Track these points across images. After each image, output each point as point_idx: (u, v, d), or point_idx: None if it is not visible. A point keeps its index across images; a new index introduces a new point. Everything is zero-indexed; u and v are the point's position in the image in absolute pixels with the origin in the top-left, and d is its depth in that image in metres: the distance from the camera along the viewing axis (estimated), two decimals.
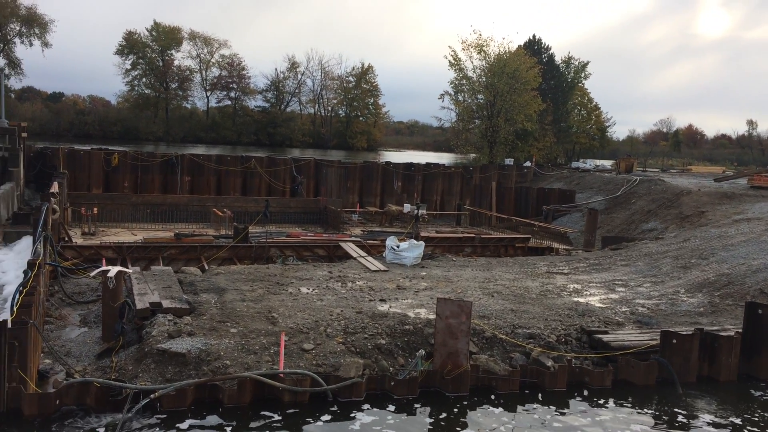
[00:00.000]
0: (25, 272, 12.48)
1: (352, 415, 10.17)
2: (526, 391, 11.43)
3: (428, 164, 39.72)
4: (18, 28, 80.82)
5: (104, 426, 9.28)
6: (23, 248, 20.89)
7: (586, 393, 11.59)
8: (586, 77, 71.12)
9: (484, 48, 56.31)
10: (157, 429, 9.34)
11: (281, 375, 10.46)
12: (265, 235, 23.24)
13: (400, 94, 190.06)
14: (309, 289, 15.37)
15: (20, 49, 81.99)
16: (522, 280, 17.75)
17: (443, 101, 65.17)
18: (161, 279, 14.88)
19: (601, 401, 11.35)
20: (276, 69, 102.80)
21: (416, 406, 10.66)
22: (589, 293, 16.47)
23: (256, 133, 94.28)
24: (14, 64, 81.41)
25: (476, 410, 10.72)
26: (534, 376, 11.65)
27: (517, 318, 13.62)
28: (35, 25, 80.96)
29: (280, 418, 9.92)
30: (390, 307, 13.87)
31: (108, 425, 9.29)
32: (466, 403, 10.91)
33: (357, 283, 16.34)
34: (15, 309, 10.36)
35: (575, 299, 15.61)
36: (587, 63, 70.45)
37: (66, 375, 10.68)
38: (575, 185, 38.51)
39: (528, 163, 47.16)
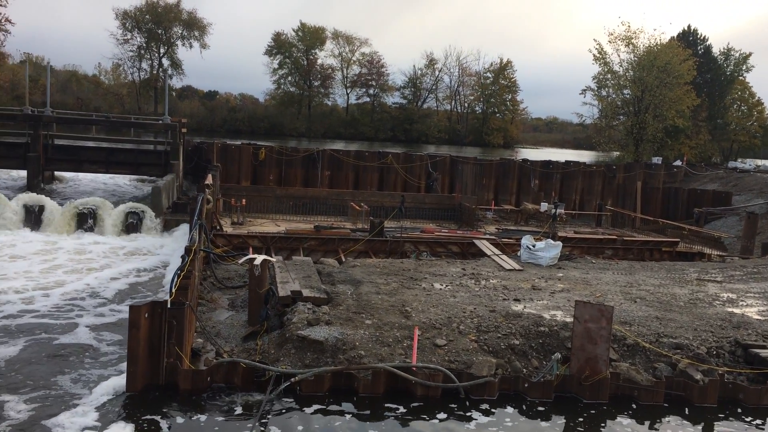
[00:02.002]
0: (182, 257, 13.55)
1: (484, 414, 10.08)
2: (667, 405, 10.73)
3: (567, 162, 38.37)
4: (180, 32, 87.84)
5: (249, 404, 9.87)
6: (180, 235, 22.71)
7: (739, 411, 10.68)
8: (747, 70, 65.42)
9: (632, 40, 53.44)
10: (297, 412, 9.79)
11: (414, 368, 10.58)
12: (399, 230, 23.56)
13: (539, 89, 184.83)
14: (442, 285, 15.40)
15: (181, 51, 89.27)
16: (668, 286, 16.69)
17: (585, 97, 62.63)
18: (302, 269, 15.56)
19: (758, 421, 10.41)
20: (414, 66, 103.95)
21: (551, 410, 10.36)
22: (745, 304, 15.16)
23: (393, 129, 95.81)
24: (176, 65, 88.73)
25: (616, 420, 10.22)
26: (680, 389, 10.92)
27: (662, 326, 12.83)
28: (195, 28, 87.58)
29: (412, 410, 10.04)
30: (524, 307, 13.58)
31: (253, 404, 9.87)
32: (604, 411, 10.44)
33: (491, 281, 16.15)
34: (173, 291, 11.26)
35: (729, 309, 14.43)
36: (749, 55, 64.82)
37: (216, 354, 11.47)
38: (732, 187, 35.57)
39: (678, 162, 44.17)
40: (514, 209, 32.59)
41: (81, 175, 32.04)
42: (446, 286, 15.33)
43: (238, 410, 9.71)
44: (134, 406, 9.64)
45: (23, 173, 28.89)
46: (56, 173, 31.61)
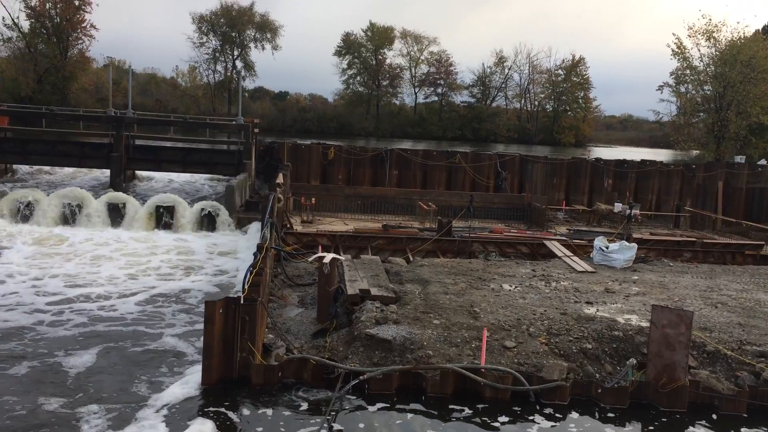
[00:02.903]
0: (254, 254, 13.89)
1: (554, 419, 9.88)
2: (749, 415, 10.21)
3: (643, 161, 37.07)
4: (253, 34, 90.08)
5: (318, 401, 10.02)
6: (252, 233, 23.29)
7: None
8: None
9: (713, 34, 51.13)
10: (365, 410, 9.87)
11: (483, 370, 10.48)
12: (468, 229, 23.38)
13: (614, 86, 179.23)
14: (511, 286, 15.19)
15: (254, 53, 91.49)
16: (753, 291, 15.90)
17: (662, 93, 60.29)
18: (370, 267, 15.67)
19: None
20: (483, 64, 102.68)
21: (625, 417, 10.05)
22: None
23: (461, 128, 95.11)
24: (249, 66, 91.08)
25: (694, 429, 9.82)
26: (765, 399, 10.38)
27: (745, 333, 12.24)
28: (267, 30, 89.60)
29: (479, 412, 9.95)
30: (597, 310, 13.23)
31: (322, 401, 10.02)
32: (682, 420, 10.04)
33: (561, 283, 15.81)
34: (246, 287, 11.55)
35: None
36: None
37: (286, 350, 11.69)
38: None
39: (763, 162, 41.93)
40: (586, 210, 31.77)
41: (158, 173, 33.32)
42: (515, 287, 15.11)
43: (308, 406, 9.87)
44: (209, 399, 9.94)
45: (107, 172, 30.24)
46: (137, 172, 32.94)
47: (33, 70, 69.64)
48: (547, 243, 21.23)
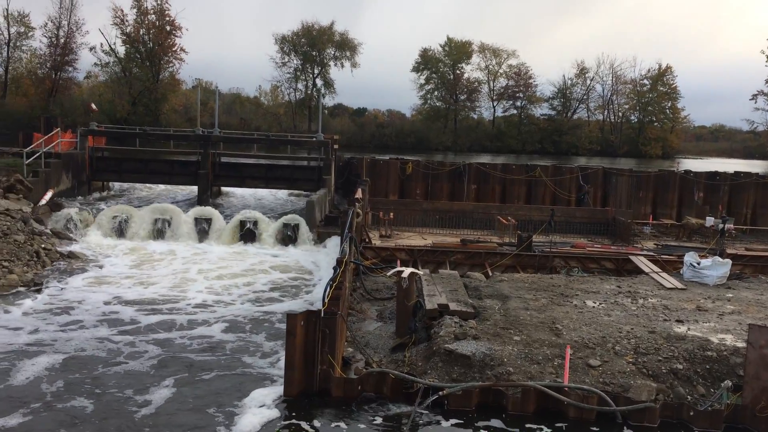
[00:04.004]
0: (334, 268, 14.09)
1: None
2: None
3: (737, 173, 35.21)
4: (333, 53, 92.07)
5: (397, 415, 10.01)
6: (332, 247, 23.62)
7: None
8: None
9: None
10: (444, 426, 9.77)
11: (566, 389, 10.18)
12: (549, 244, 22.87)
13: (704, 96, 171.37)
14: (595, 302, 14.73)
15: (333, 71, 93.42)
16: None
17: (756, 102, 57.33)
18: (448, 282, 15.57)
19: None
20: (564, 76, 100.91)
21: None
22: None
23: (541, 141, 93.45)
24: (328, 84, 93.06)
25: None
26: None
27: None
28: (347, 48, 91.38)
29: None
30: (688, 329, 12.61)
31: (400, 415, 10.00)
32: None
33: (649, 300, 15.19)
34: (326, 300, 11.72)
35: None
36: None
37: (365, 364, 11.77)
38: None
39: None
40: (674, 224, 30.43)
41: (242, 189, 34.43)
42: (600, 303, 14.64)
43: (387, 420, 9.88)
44: (291, 410, 10.13)
45: (194, 188, 31.54)
46: (222, 188, 34.19)
47: (128, 93, 73.77)
48: (634, 258, 20.48)
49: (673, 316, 13.69)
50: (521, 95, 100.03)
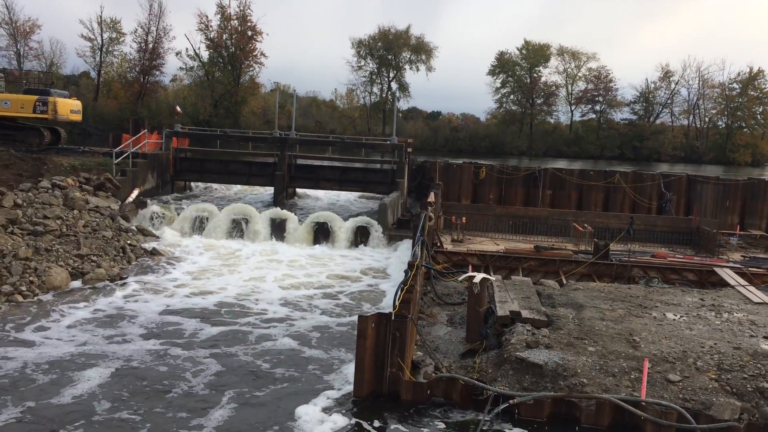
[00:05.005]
0: (405, 271, 14.12)
1: None
2: None
3: None
4: (408, 56, 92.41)
5: (466, 422, 9.93)
6: (403, 250, 23.70)
7: None
8: None
9: None
10: None
11: (644, 403, 9.83)
12: (627, 253, 22.16)
13: None
14: (676, 315, 14.15)
15: (408, 75, 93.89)
16: None
17: None
18: (521, 289, 15.34)
19: None
20: (646, 79, 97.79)
21: None
22: None
23: (621, 146, 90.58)
24: (403, 87, 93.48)
25: None
26: None
27: None
28: (422, 52, 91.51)
29: None
30: None
31: (469, 422, 9.92)
32: None
33: (735, 314, 14.46)
34: (397, 303, 11.77)
35: None
36: None
37: (434, 368, 11.73)
38: None
39: None
40: (764, 235, 28.87)
41: (316, 191, 34.99)
42: (681, 316, 14.05)
43: (455, 427, 9.82)
44: (361, 411, 10.22)
45: (270, 190, 32.32)
46: (297, 190, 34.90)
47: (210, 96, 76.51)
48: (718, 270, 19.56)
49: (760, 332, 12.99)
50: (601, 99, 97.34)
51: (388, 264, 22.82)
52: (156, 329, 14.70)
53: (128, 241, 22.33)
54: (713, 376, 10.61)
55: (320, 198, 34.82)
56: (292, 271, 21.25)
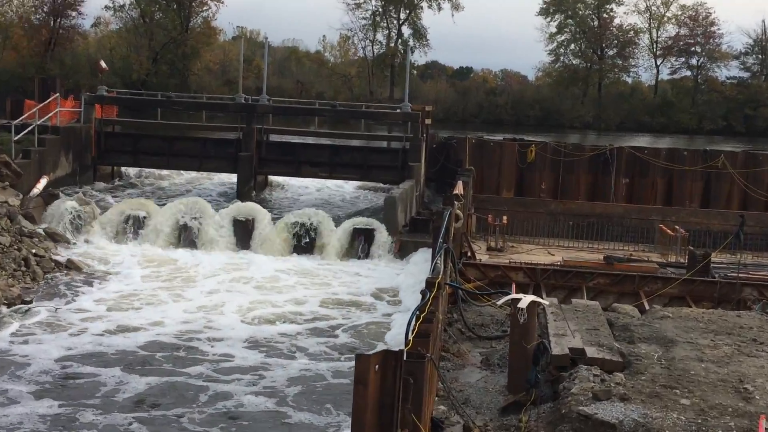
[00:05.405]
0: (422, 293, 14.10)
1: None
2: None
3: None
4: None
5: None
6: (420, 262, 23.71)
7: None
8: None
9: None
10: None
11: None
12: (736, 267, 22.15)
13: None
14: None
15: (427, 16, 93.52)
16: None
17: None
18: (585, 317, 15.34)
19: None
20: (763, 21, 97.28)
21: None
22: None
23: (727, 116, 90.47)
24: (419, 34, 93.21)
25: None
26: None
27: None
28: None
29: None
30: None
31: None
32: None
33: None
34: (411, 338, 11.74)
35: None
36: None
37: (463, 429, 11.72)
38: None
39: None
40: None
41: (297, 180, 34.93)
42: None
43: None
44: None
45: (233, 177, 32.35)
46: (270, 178, 34.92)
47: (147, 47, 76.71)
48: None
49: None
50: (698, 49, 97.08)
51: (398, 283, 22.87)
52: (56, 383, 14.53)
53: (33, 250, 22.44)
54: None
55: (303, 190, 34.91)
56: (264, 295, 21.27)
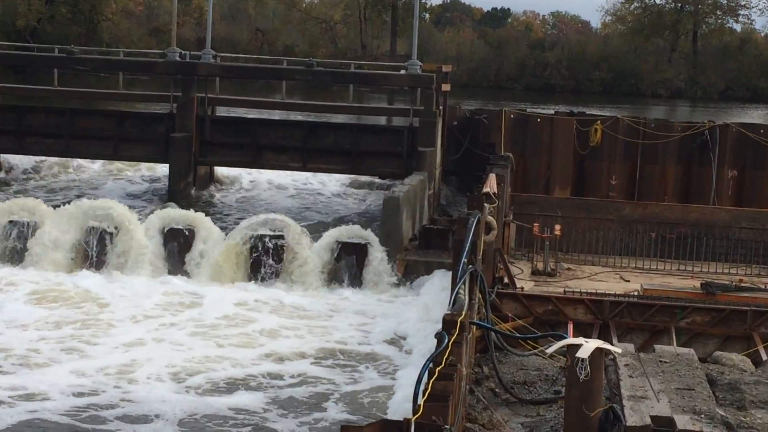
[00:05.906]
0: (438, 336, 14.04)
1: None
2: None
3: None
4: None
5: None
6: (433, 291, 23.67)
7: None
8: None
9: None
10: None
11: None
12: None
13: None
14: None
15: None
16: None
17: None
18: (674, 371, 15.33)
19: None
20: None
21: None
22: None
23: None
24: None
25: None
26: None
27: None
28: None
29: None
30: None
31: None
32: None
33: None
34: (421, 402, 11.67)
35: None
36: None
37: None
38: None
39: None
40: None
41: (255, 172, 34.83)
42: None
43: None
44: None
45: (164, 168, 32.24)
46: (216, 169, 34.80)
47: None
48: None
49: None
50: None
51: (402, 321, 22.82)
52: None
53: None
54: None
55: (265, 185, 34.84)
56: (208, 348, 21.06)
